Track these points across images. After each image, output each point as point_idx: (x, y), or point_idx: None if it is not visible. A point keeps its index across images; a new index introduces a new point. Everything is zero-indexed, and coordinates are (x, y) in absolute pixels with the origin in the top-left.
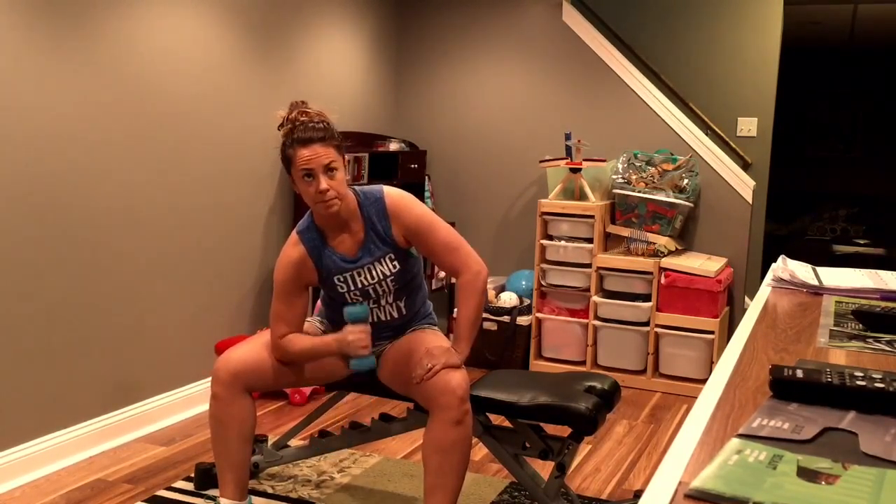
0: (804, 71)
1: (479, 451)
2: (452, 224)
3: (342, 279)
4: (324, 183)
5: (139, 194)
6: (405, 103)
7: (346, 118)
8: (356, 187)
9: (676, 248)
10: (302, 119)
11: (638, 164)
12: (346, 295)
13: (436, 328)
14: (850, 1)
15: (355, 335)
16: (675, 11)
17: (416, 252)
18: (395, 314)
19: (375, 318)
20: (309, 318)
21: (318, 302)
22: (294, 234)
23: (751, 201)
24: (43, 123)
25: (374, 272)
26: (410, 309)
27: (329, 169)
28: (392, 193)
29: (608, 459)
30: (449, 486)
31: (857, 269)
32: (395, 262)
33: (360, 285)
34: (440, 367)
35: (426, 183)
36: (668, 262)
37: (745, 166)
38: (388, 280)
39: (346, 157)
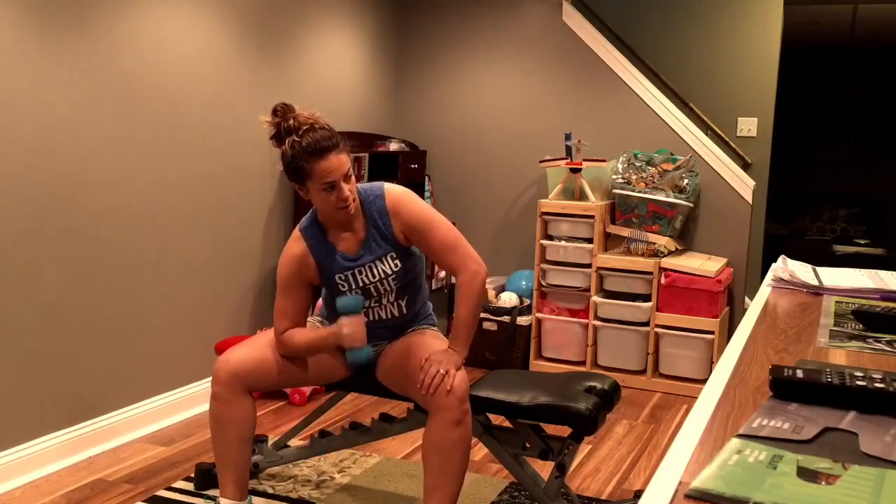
0: (804, 71)
1: (479, 451)
2: (454, 223)
3: (343, 277)
4: (346, 190)
5: (138, 194)
6: (405, 103)
7: (346, 118)
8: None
9: (676, 248)
10: (305, 127)
11: (638, 164)
12: (348, 293)
13: (435, 329)
14: (850, 1)
15: (350, 328)
16: (676, 12)
17: (418, 251)
18: (396, 313)
19: (376, 317)
20: (309, 318)
21: (319, 301)
22: (296, 231)
23: (751, 201)
24: (42, 122)
25: (375, 270)
26: (411, 309)
27: (348, 176)
28: (392, 190)
29: (608, 459)
30: (449, 486)
31: (857, 269)
32: (397, 261)
33: (361, 283)
34: (443, 374)
35: (426, 183)
36: (668, 262)
37: (745, 166)
38: (390, 279)
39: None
